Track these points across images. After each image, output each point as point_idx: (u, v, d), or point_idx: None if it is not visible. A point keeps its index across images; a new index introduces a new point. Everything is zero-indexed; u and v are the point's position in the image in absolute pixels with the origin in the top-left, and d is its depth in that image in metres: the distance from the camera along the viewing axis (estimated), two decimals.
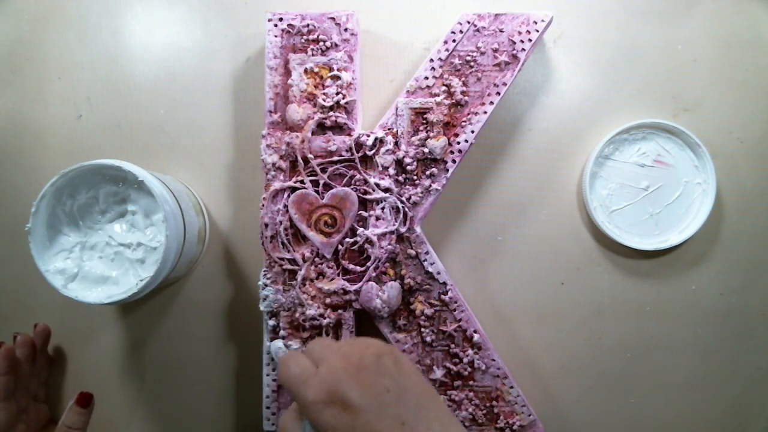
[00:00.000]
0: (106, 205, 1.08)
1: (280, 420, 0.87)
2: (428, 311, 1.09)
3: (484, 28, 1.10)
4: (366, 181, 1.08)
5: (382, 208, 1.08)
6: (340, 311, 1.10)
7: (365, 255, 1.10)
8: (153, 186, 1.03)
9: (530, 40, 1.10)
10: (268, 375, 1.12)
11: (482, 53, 1.10)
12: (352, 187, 1.09)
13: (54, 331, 1.23)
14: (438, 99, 1.09)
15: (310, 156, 1.08)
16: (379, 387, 0.75)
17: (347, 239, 1.10)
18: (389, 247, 1.08)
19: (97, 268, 1.07)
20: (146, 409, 1.24)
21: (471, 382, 1.11)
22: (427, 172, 1.09)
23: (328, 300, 1.09)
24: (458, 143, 1.09)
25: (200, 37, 1.25)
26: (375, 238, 1.08)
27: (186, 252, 1.12)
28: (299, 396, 0.78)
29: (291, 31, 1.11)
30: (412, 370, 0.81)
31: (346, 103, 1.09)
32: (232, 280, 1.24)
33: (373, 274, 1.09)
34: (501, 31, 1.10)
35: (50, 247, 1.06)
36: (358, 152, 1.08)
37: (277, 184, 1.08)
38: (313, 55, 1.10)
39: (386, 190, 1.08)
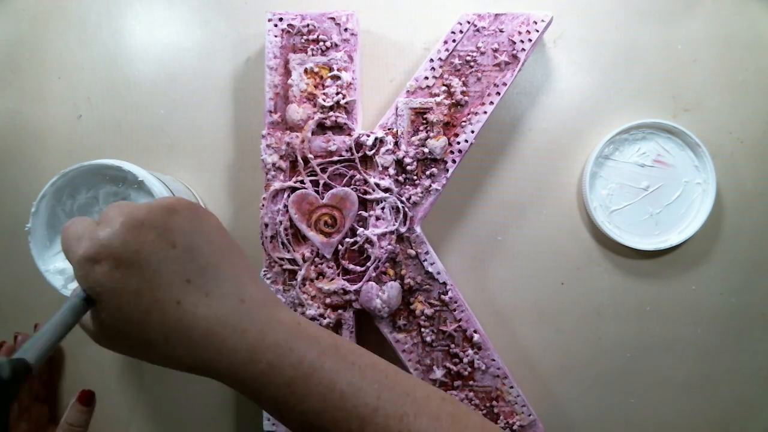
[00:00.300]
0: (106, 205, 1.07)
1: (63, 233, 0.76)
2: (428, 311, 1.09)
3: (484, 28, 1.10)
4: (366, 181, 1.08)
5: (382, 208, 1.08)
6: (340, 311, 1.10)
7: (365, 255, 1.10)
8: (153, 186, 1.03)
9: (530, 40, 1.10)
10: None
11: (482, 53, 1.10)
12: (352, 187, 1.09)
13: None
14: (438, 99, 1.09)
15: (310, 156, 1.08)
16: (162, 242, 0.69)
17: (347, 239, 1.10)
18: (389, 247, 1.08)
19: None
20: (146, 409, 1.24)
21: (471, 382, 1.11)
22: (427, 172, 1.09)
23: (328, 300, 1.09)
24: (458, 143, 1.09)
25: (200, 37, 1.25)
26: (375, 238, 1.08)
27: None
28: (70, 254, 0.70)
29: (291, 31, 1.11)
30: (212, 227, 0.75)
31: (346, 103, 1.09)
32: None
33: (373, 274, 1.09)
34: (501, 31, 1.10)
35: (50, 247, 1.06)
36: (358, 152, 1.08)
37: (277, 184, 1.09)
38: (313, 55, 1.10)
39: (386, 190, 1.08)
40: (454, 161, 1.09)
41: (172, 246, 0.69)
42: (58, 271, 1.05)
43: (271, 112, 1.10)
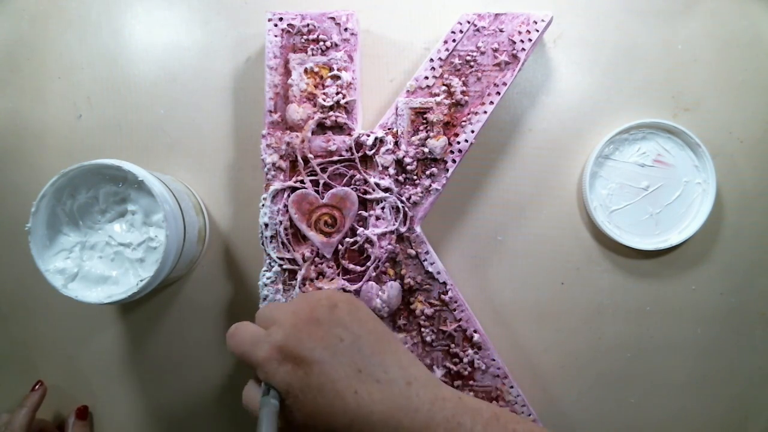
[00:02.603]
0: (106, 205, 1.08)
1: (243, 393, 0.86)
2: (428, 311, 1.09)
3: (484, 27, 1.10)
4: (366, 181, 1.08)
5: (382, 208, 1.08)
6: None
7: (365, 255, 1.09)
8: (153, 186, 1.03)
9: (530, 40, 1.10)
10: None
11: (482, 53, 1.10)
12: (352, 186, 1.09)
13: (54, 331, 1.24)
14: (438, 99, 1.09)
15: (310, 156, 1.08)
16: (332, 337, 0.76)
17: (347, 239, 1.09)
18: (389, 246, 1.08)
19: (97, 267, 1.07)
20: (146, 409, 1.24)
21: (471, 382, 1.11)
22: (427, 172, 1.09)
23: None
24: (458, 143, 1.09)
25: (200, 37, 1.25)
26: (375, 238, 1.08)
27: (186, 252, 1.12)
28: (251, 360, 0.78)
29: (291, 30, 1.11)
30: (368, 317, 0.81)
31: (346, 102, 1.09)
32: (232, 279, 1.25)
33: (373, 274, 1.09)
34: (501, 30, 1.10)
35: (50, 247, 1.06)
36: (358, 152, 1.08)
37: (277, 184, 1.08)
38: (313, 54, 1.10)
39: (386, 189, 1.08)
40: (454, 161, 1.09)
41: (340, 340, 0.76)
42: (58, 271, 1.05)
43: (271, 111, 1.10)
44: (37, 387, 1.20)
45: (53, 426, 1.22)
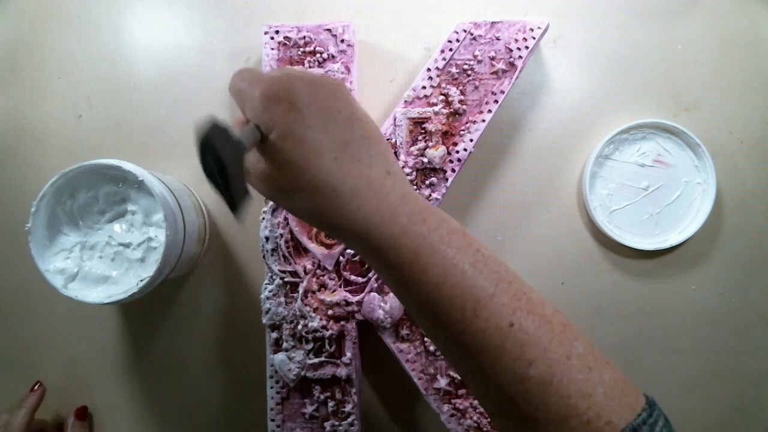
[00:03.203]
0: (106, 205, 1.08)
1: (232, 79, 0.81)
2: None
3: (481, 36, 1.10)
4: None
5: None
6: (342, 323, 1.11)
7: (366, 266, 1.10)
8: (153, 186, 1.03)
9: (527, 47, 1.09)
10: (272, 387, 1.13)
11: (479, 61, 1.10)
12: None
13: (54, 331, 1.26)
14: (436, 108, 1.09)
15: None
16: (331, 105, 0.75)
17: (348, 250, 1.10)
18: None
19: (97, 267, 1.07)
20: (145, 409, 1.24)
21: None
22: (427, 182, 1.09)
23: (330, 312, 1.10)
24: (457, 152, 1.09)
25: (200, 37, 1.25)
26: None
27: (186, 252, 1.12)
28: (247, 94, 0.76)
29: (287, 43, 1.10)
30: (365, 112, 0.80)
31: None
32: (232, 279, 1.25)
33: (375, 285, 1.09)
34: (497, 39, 1.10)
35: (50, 247, 1.07)
36: None
37: None
38: (310, 66, 1.10)
39: None
40: (453, 170, 1.09)
41: (338, 110, 0.74)
42: (58, 271, 1.05)
43: None
44: (36, 387, 1.21)
45: (52, 426, 1.23)
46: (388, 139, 1.10)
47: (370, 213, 0.73)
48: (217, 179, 0.64)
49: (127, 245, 1.07)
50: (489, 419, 1.11)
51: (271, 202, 1.09)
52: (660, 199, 1.20)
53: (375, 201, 0.73)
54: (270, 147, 0.72)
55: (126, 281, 1.07)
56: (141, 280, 1.04)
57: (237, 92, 0.78)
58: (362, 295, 1.09)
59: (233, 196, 0.66)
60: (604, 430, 0.66)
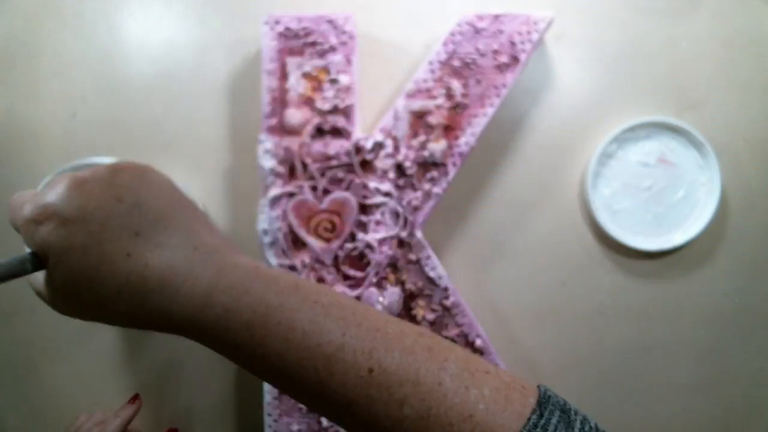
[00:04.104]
0: None
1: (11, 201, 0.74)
2: (429, 317, 1.09)
3: (484, 29, 1.09)
4: (365, 186, 1.07)
5: (382, 213, 1.07)
6: None
7: (365, 260, 1.09)
8: None
9: (530, 41, 1.09)
10: None
11: (482, 55, 1.09)
12: (351, 191, 1.08)
13: (54, 331, 1.24)
14: (438, 102, 1.08)
15: (308, 160, 1.07)
16: (108, 197, 0.66)
17: (347, 244, 1.09)
18: (389, 252, 1.07)
19: None
20: (145, 410, 1.23)
21: None
22: (428, 176, 1.08)
23: None
24: (459, 146, 1.08)
25: (197, 35, 1.24)
26: (375, 243, 1.07)
27: None
28: (17, 220, 0.70)
29: (288, 34, 1.09)
30: (163, 185, 0.73)
31: (345, 106, 1.08)
32: None
33: (374, 280, 1.08)
34: (501, 32, 1.09)
35: None
36: (357, 156, 1.07)
37: (275, 190, 1.07)
38: (310, 58, 1.09)
39: (386, 194, 1.07)
40: (454, 164, 1.08)
41: (118, 200, 0.67)
42: None
43: (268, 116, 1.09)
44: (133, 400, 1.19)
45: None
46: (388, 133, 1.09)
47: (186, 300, 0.67)
48: None
49: None
50: None
51: (269, 195, 1.08)
52: (664, 199, 1.19)
53: (186, 287, 0.67)
54: (53, 270, 0.66)
55: None
56: None
57: (12, 223, 0.72)
58: (360, 289, 1.08)
59: None
60: None
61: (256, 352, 0.67)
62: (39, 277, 0.70)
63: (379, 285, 1.09)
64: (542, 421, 0.63)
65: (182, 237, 0.69)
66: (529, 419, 0.63)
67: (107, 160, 1.02)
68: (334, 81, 1.09)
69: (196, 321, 0.66)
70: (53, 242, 0.64)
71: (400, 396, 0.64)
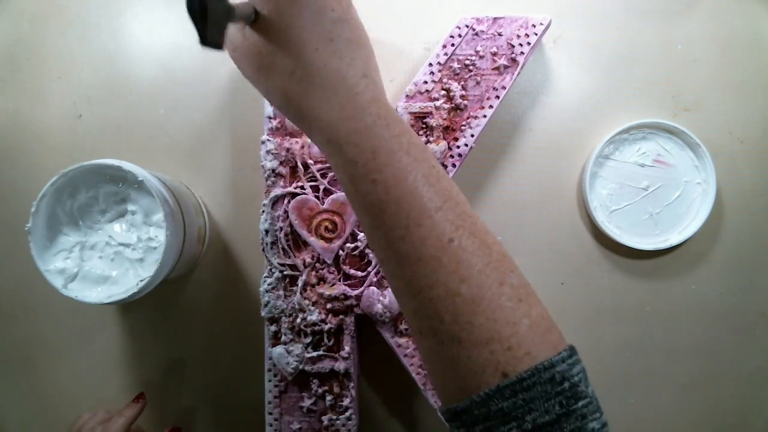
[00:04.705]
0: (106, 205, 1.08)
1: None
2: None
3: (483, 31, 1.10)
4: None
5: None
6: (341, 316, 1.10)
7: (366, 260, 1.10)
8: (153, 186, 1.03)
9: (529, 43, 1.10)
10: (270, 381, 1.12)
11: (481, 57, 1.10)
12: None
13: (54, 331, 1.25)
14: (437, 103, 1.09)
15: (310, 161, 1.08)
16: (325, 2, 0.75)
17: (348, 244, 1.10)
18: None
19: (97, 267, 1.07)
20: (148, 409, 1.23)
21: None
22: None
23: (329, 305, 1.09)
24: (458, 147, 1.09)
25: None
26: None
27: (186, 252, 1.12)
28: None
29: None
30: (359, 20, 0.81)
31: None
32: (232, 279, 1.25)
33: (374, 279, 1.09)
34: (500, 34, 1.10)
35: (50, 247, 1.06)
36: None
37: (277, 190, 1.09)
38: None
39: None
40: (454, 165, 1.09)
41: (331, 9, 0.75)
42: (58, 271, 1.05)
43: (270, 118, 1.11)
44: (138, 399, 1.20)
45: None
46: None
47: (337, 107, 0.75)
48: (197, 15, 0.64)
49: (127, 245, 1.07)
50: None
51: (270, 195, 1.09)
52: (660, 199, 1.20)
53: (344, 97, 0.75)
54: (260, 24, 0.74)
55: (126, 281, 1.07)
56: (141, 280, 1.03)
57: None
58: (361, 289, 1.09)
59: (206, 36, 0.66)
60: (523, 360, 0.68)
61: (368, 176, 0.74)
62: (236, 34, 0.79)
63: (380, 284, 1.10)
64: (570, 361, 0.69)
65: (360, 61, 0.78)
66: (560, 353, 0.68)
67: (113, 162, 1.03)
68: None
69: (335, 127, 0.75)
70: (274, 3, 0.73)
71: (464, 274, 0.70)
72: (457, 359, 0.70)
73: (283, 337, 1.10)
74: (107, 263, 1.08)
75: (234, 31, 0.80)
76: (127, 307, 1.25)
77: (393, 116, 0.77)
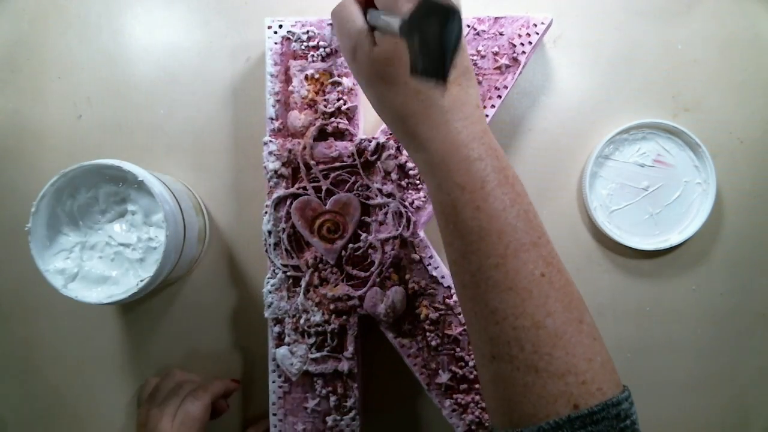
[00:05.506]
0: (106, 205, 1.08)
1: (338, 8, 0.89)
2: (433, 315, 1.09)
3: (484, 31, 1.10)
4: (368, 187, 1.08)
5: (385, 213, 1.08)
6: (344, 317, 1.10)
7: (369, 260, 1.10)
8: (153, 186, 1.03)
9: (530, 42, 1.10)
10: (273, 382, 1.13)
11: (482, 57, 1.10)
12: (354, 192, 1.09)
13: (54, 331, 1.25)
14: None
15: (312, 162, 1.08)
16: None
17: (351, 245, 1.10)
18: (393, 252, 1.08)
19: (97, 268, 1.07)
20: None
21: (477, 386, 1.10)
22: None
23: (332, 306, 1.09)
24: None
25: (200, 37, 1.25)
26: (378, 243, 1.08)
27: (186, 252, 1.12)
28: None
29: (291, 38, 1.11)
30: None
31: (347, 108, 1.10)
32: (233, 279, 1.25)
33: (377, 280, 1.09)
34: (501, 34, 1.10)
35: (50, 247, 1.06)
36: (360, 158, 1.08)
37: (279, 192, 1.09)
38: (313, 61, 1.10)
39: (389, 195, 1.08)
40: None
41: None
42: (58, 271, 1.05)
43: (272, 119, 1.11)
44: (234, 381, 1.22)
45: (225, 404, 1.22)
46: (391, 134, 1.10)
47: (455, 133, 0.79)
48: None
49: (127, 245, 1.07)
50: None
51: (273, 197, 1.09)
52: (660, 199, 1.20)
53: (462, 125, 0.80)
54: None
55: (126, 281, 1.07)
56: (141, 280, 1.04)
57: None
58: (364, 289, 1.09)
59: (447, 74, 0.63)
60: (595, 395, 0.71)
61: (473, 203, 0.78)
62: (367, 38, 0.83)
63: (383, 284, 1.10)
64: (630, 400, 0.74)
65: (474, 90, 0.84)
66: (624, 392, 0.73)
67: (113, 162, 1.03)
68: (336, 83, 1.10)
69: (447, 153, 0.80)
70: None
71: (551, 308, 0.75)
72: (531, 387, 0.73)
73: (287, 338, 1.10)
74: (107, 263, 1.08)
75: (364, 35, 0.83)
76: (127, 307, 1.25)
77: (499, 148, 0.82)
